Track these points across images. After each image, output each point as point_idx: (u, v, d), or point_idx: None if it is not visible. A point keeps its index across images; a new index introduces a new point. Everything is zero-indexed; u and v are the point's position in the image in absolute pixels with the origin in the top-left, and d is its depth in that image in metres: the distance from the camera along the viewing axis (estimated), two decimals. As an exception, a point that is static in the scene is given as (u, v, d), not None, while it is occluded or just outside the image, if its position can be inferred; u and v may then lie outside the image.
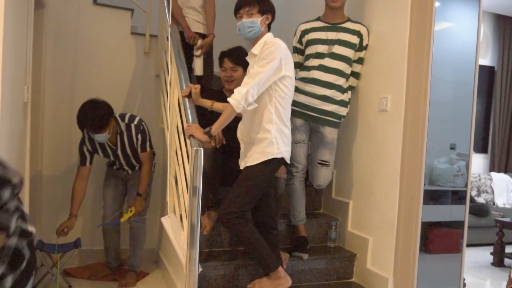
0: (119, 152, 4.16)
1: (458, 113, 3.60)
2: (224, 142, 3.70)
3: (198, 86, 3.47)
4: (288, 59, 3.22)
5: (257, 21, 3.23)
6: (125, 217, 4.18)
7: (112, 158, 4.23)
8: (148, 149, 4.19)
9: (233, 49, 3.86)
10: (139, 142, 4.13)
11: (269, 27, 3.34)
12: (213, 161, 3.68)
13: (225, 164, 3.78)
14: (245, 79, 3.14)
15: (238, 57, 3.78)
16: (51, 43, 4.65)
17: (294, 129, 3.84)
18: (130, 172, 4.32)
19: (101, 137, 3.95)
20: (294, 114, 3.77)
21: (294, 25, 4.05)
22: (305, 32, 3.91)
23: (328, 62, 3.79)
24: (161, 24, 4.81)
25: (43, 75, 4.60)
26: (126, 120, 4.13)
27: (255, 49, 3.24)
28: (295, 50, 4.01)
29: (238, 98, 3.07)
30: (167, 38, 4.23)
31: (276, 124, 3.21)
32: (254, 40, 3.29)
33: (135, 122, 4.14)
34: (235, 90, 3.12)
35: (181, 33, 4.36)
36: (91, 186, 4.67)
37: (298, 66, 3.97)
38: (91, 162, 4.19)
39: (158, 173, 4.87)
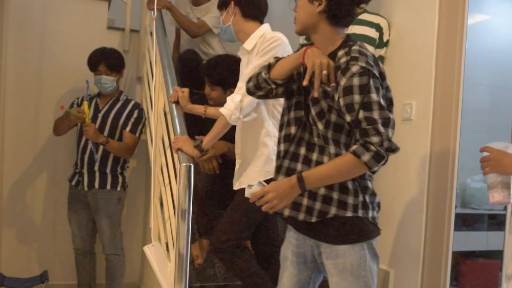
0: (100, 115, 4.33)
1: (496, 122, 3.59)
2: (218, 172, 3.68)
3: (186, 90, 3.41)
4: None
5: (222, 19, 3.35)
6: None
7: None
8: (137, 134, 4.39)
9: (212, 66, 3.77)
10: (132, 120, 4.37)
11: (256, 19, 3.30)
12: (207, 178, 3.67)
13: (221, 182, 3.75)
14: (239, 83, 3.14)
15: (213, 77, 3.71)
16: (13, 38, 4.64)
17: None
18: (86, 187, 4.30)
19: (108, 80, 4.31)
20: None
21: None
22: (314, 27, 3.90)
23: (342, 61, 3.77)
24: (143, 17, 4.81)
25: (3, 75, 4.58)
26: (129, 97, 4.55)
27: (247, 44, 3.23)
28: (303, 49, 4.00)
29: (232, 108, 3.04)
30: (151, 33, 4.22)
31: (275, 137, 3.17)
32: (241, 37, 3.29)
33: (136, 101, 4.54)
34: (228, 98, 3.10)
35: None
36: (59, 210, 4.65)
37: (307, 68, 3.95)
38: None
39: (140, 194, 4.85)
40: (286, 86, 2.50)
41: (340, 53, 2.30)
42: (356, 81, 2.22)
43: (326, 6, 2.33)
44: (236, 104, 3.03)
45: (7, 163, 4.65)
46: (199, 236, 3.70)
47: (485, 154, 2.40)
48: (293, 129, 2.46)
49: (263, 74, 2.49)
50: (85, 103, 4.17)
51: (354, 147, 2.22)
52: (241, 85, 3.07)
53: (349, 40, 2.39)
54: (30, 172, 4.73)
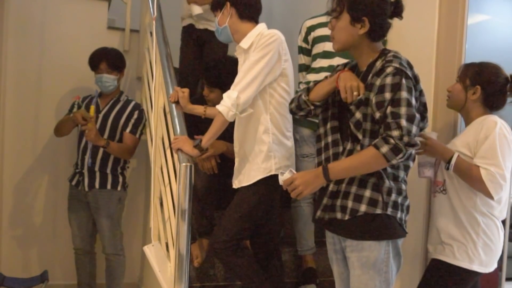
0: (100, 115, 4.31)
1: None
2: (216, 171, 3.68)
3: (186, 90, 3.38)
4: (288, 55, 3.20)
5: (217, 20, 3.30)
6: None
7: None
8: (137, 135, 4.39)
9: (210, 67, 3.76)
10: (133, 121, 4.36)
11: (252, 19, 3.27)
12: (207, 179, 3.66)
13: (220, 182, 3.76)
14: (236, 79, 3.10)
15: (211, 79, 3.72)
16: (13, 39, 4.64)
17: (301, 141, 3.82)
18: (86, 187, 4.29)
19: (110, 79, 4.31)
20: (301, 123, 3.75)
21: (301, 23, 4.03)
22: (311, 28, 3.89)
23: (339, 62, 3.75)
24: (143, 17, 4.80)
25: (3, 75, 4.59)
26: (129, 97, 4.55)
27: (244, 43, 3.21)
28: (301, 51, 3.99)
29: (229, 105, 3.01)
30: (151, 33, 4.22)
31: (273, 134, 3.17)
32: (238, 37, 3.26)
33: (137, 102, 4.53)
34: (224, 95, 3.07)
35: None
36: (59, 210, 4.65)
37: (304, 68, 3.95)
38: None
39: (140, 194, 4.84)
40: (324, 107, 2.71)
41: (378, 62, 2.50)
42: (388, 80, 2.40)
43: (369, 28, 2.52)
44: (232, 101, 3.01)
45: (7, 163, 4.65)
46: (199, 236, 3.69)
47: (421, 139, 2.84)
48: (329, 138, 2.66)
49: (303, 96, 2.74)
50: (92, 108, 4.17)
51: (376, 140, 2.38)
52: (237, 81, 3.06)
53: (385, 50, 2.60)
54: (30, 172, 4.73)
